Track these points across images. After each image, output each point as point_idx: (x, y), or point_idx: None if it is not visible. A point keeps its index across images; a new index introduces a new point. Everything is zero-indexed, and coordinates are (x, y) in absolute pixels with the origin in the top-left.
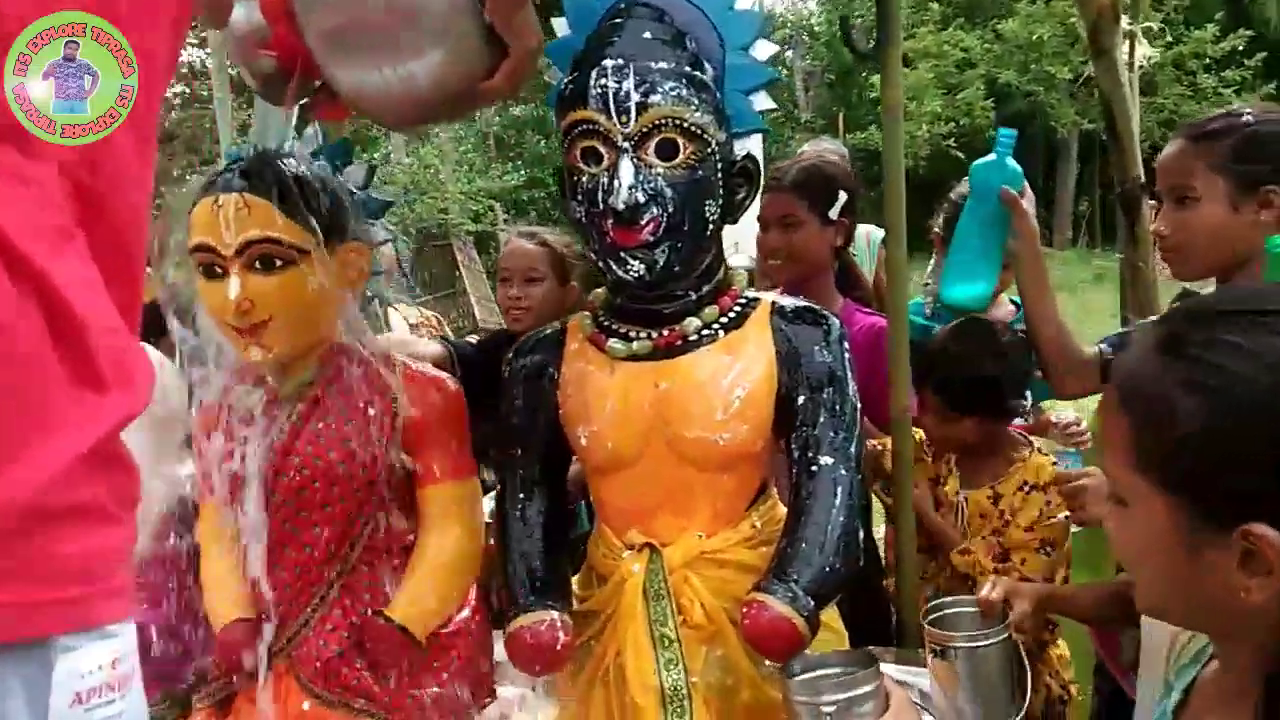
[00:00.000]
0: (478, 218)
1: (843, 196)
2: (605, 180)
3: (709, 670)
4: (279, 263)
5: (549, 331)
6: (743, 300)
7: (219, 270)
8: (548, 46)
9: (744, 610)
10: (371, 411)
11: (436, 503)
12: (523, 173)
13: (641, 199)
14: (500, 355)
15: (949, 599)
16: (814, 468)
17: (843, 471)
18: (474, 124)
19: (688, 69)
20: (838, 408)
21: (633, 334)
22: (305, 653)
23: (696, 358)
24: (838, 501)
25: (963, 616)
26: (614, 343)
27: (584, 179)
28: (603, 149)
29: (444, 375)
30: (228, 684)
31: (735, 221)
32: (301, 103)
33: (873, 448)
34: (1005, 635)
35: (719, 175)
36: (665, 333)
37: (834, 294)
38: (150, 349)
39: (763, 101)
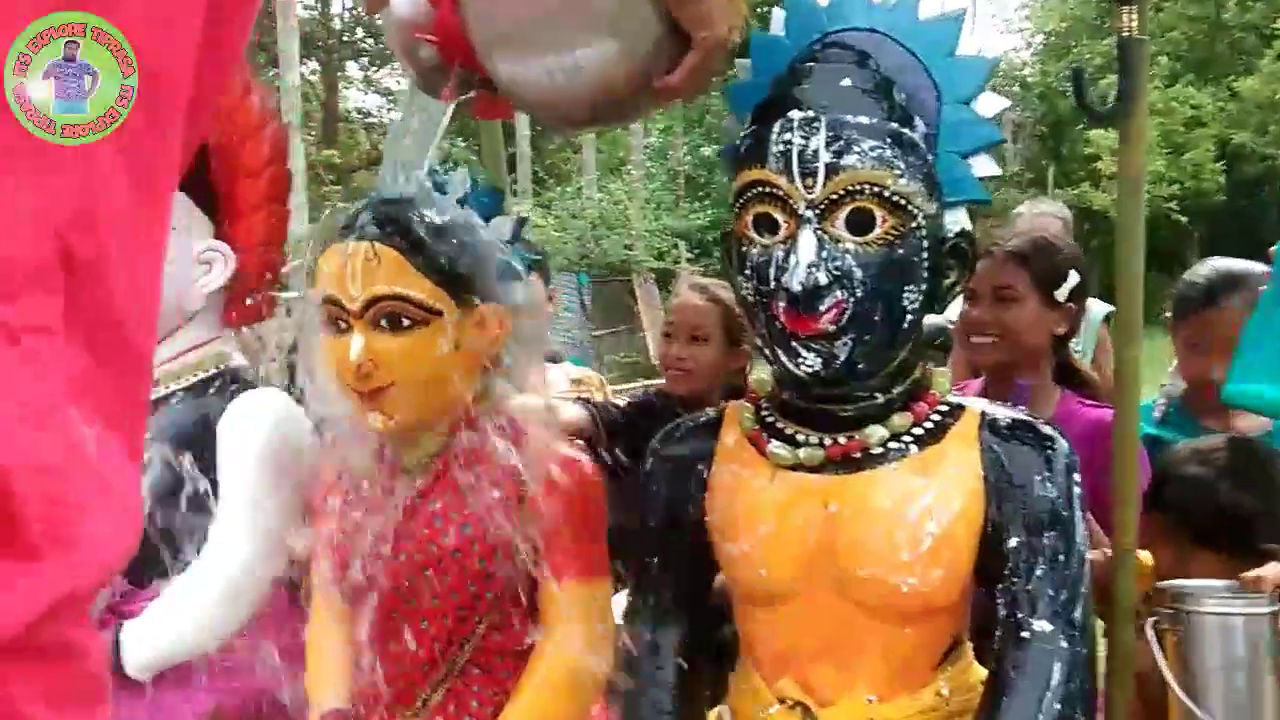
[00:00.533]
0: (661, 255)
1: (1073, 278)
2: (780, 254)
3: None
4: (406, 322)
5: (703, 419)
6: (944, 408)
7: (343, 325)
8: (728, 88)
9: None
10: (495, 494)
11: (560, 605)
12: (710, 212)
13: (823, 280)
14: (650, 422)
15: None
16: (1024, 633)
17: (1063, 644)
18: (665, 161)
19: (893, 125)
20: (1061, 558)
21: (801, 437)
22: None
23: (879, 477)
24: (1053, 683)
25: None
26: (777, 446)
27: (754, 251)
28: (781, 217)
29: (582, 457)
30: None
31: (941, 311)
32: (461, 99)
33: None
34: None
35: (924, 255)
36: (842, 440)
37: (1050, 388)
38: (281, 396)
39: (985, 166)
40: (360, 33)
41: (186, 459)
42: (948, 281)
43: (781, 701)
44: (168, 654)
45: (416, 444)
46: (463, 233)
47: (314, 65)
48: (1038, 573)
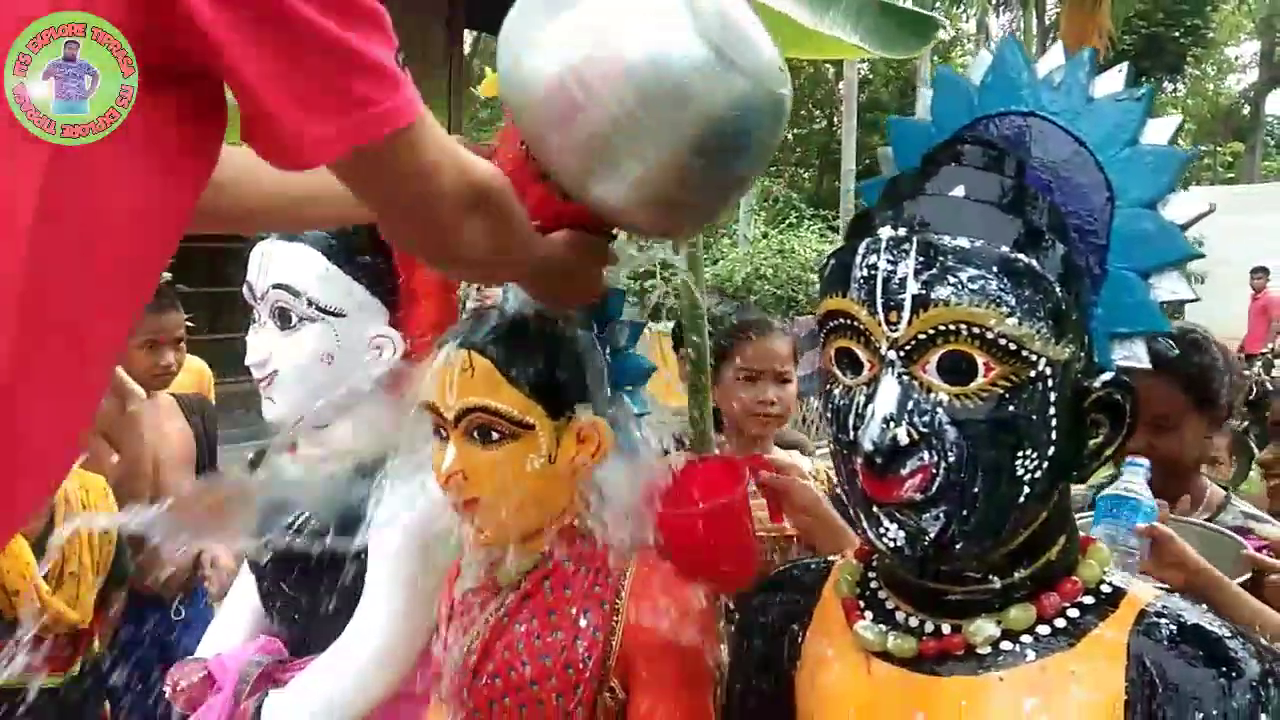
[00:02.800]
0: None
1: None
2: (861, 400)
3: None
4: (496, 435)
5: (812, 567)
6: (1088, 600)
7: (443, 434)
8: (862, 187)
9: None
10: (584, 622)
11: None
12: None
13: (904, 439)
14: None
15: None
16: None
17: None
18: None
19: (1005, 250)
20: None
21: (900, 615)
22: None
23: (980, 687)
24: None
25: None
26: (864, 627)
27: (836, 391)
28: (864, 355)
29: (694, 590)
30: None
31: (1083, 480)
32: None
33: None
34: None
35: (1050, 411)
36: (946, 630)
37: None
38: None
39: (1172, 287)
40: None
41: (343, 540)
42: (1094, 442)
43: None
44: None
45: (517, 557)
46: (567, 342)
47: None
48: None
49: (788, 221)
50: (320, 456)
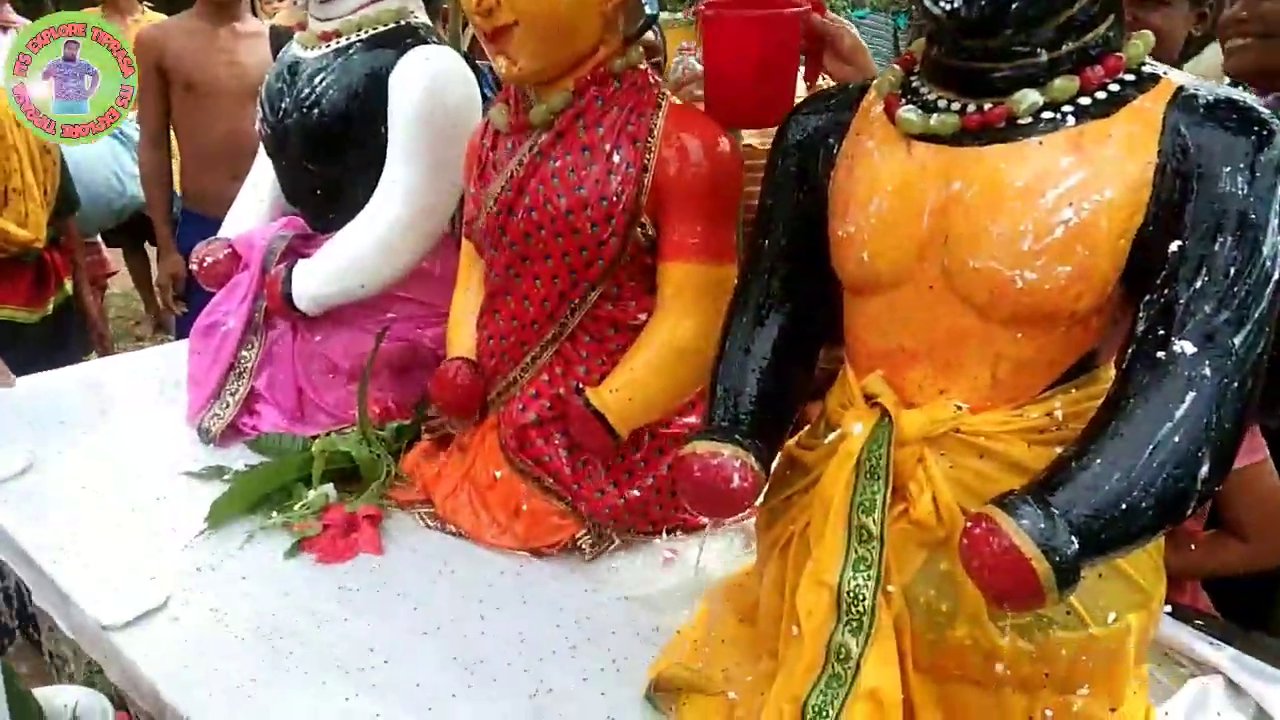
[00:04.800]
0: None
1: None
2: None
3: (919, 585)
4: None
5: (850, 86)
6: (1129, 77)
7: None
8: None
9: (965, 527)
10: (616, 158)
11: (676, 283)
12: None
13: None
14: None
15: None
16: (1162, 353)
17: (1206, 371)
18: None
19: None
20: (1233, 271)
21: (942, 102)
22: (508, 413)
23: (1019, 151)
24: (1182, 412)
25: None
26: (907, 110)
27: None
28: None
29: (721, 132)
30: (448, 423)
31: None
32: None
33: None
34: None
35: None
36: (987, 107)
37: None
38: (447, 53)
39: None
40: None
41: (358, 109)
42: None
43: (868, 398)
44: (329, 290)
45: (543, 98)
46: None
47: None
48: (1197, 284)
49: None
50: (331, 29)
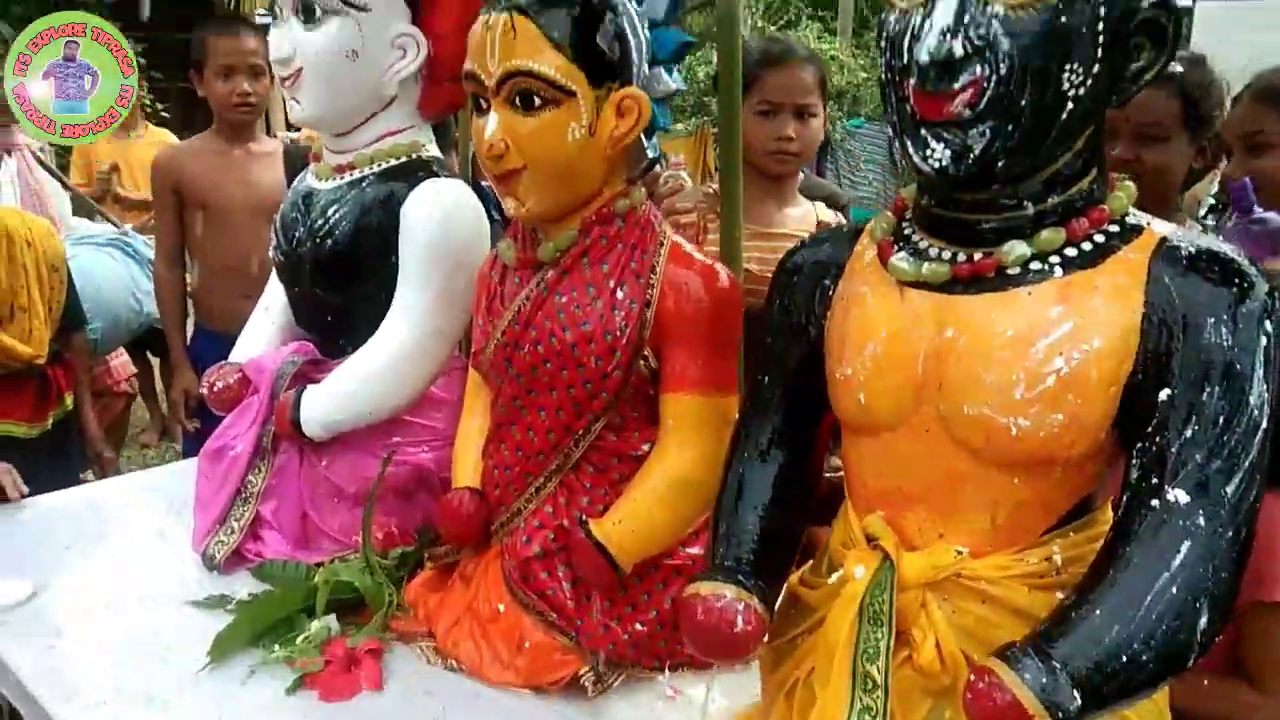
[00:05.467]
0: None
1: None
2: (917, 20)
3: None
4: (538, 101)
5: (846, 227)
6: (1113, 228)
7: (484, 105)
8: None
9: (969, 681)
10: (620, 294)
11: (678, 414)
12: None
13: (959, 51)
14: None
15: None
16: (1156, 501)
17: (1201, 521)
18: None
19: None
20: (1223, 420)
21: (933, 250)
22: (512, 545)
23: (1008, 301)
24: (1178, 562)
25: None
26: (900, 259)
27: (892, 18)
28: None
29: (720, 267)
30: (455, 550)
31: (1121, 104)
32: None
33: None
34: None
35: (1099, 26)
36: (977, 257)
37: None
38: (459, 186)
39: None
40: None
41: (370, 239)
42: (1136, 65)
43: (869, 540)
44: (338, 417)
45: (550, 236)
46: (607, 8)
47: None
48: (1188, 433)
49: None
50: (345, 162)
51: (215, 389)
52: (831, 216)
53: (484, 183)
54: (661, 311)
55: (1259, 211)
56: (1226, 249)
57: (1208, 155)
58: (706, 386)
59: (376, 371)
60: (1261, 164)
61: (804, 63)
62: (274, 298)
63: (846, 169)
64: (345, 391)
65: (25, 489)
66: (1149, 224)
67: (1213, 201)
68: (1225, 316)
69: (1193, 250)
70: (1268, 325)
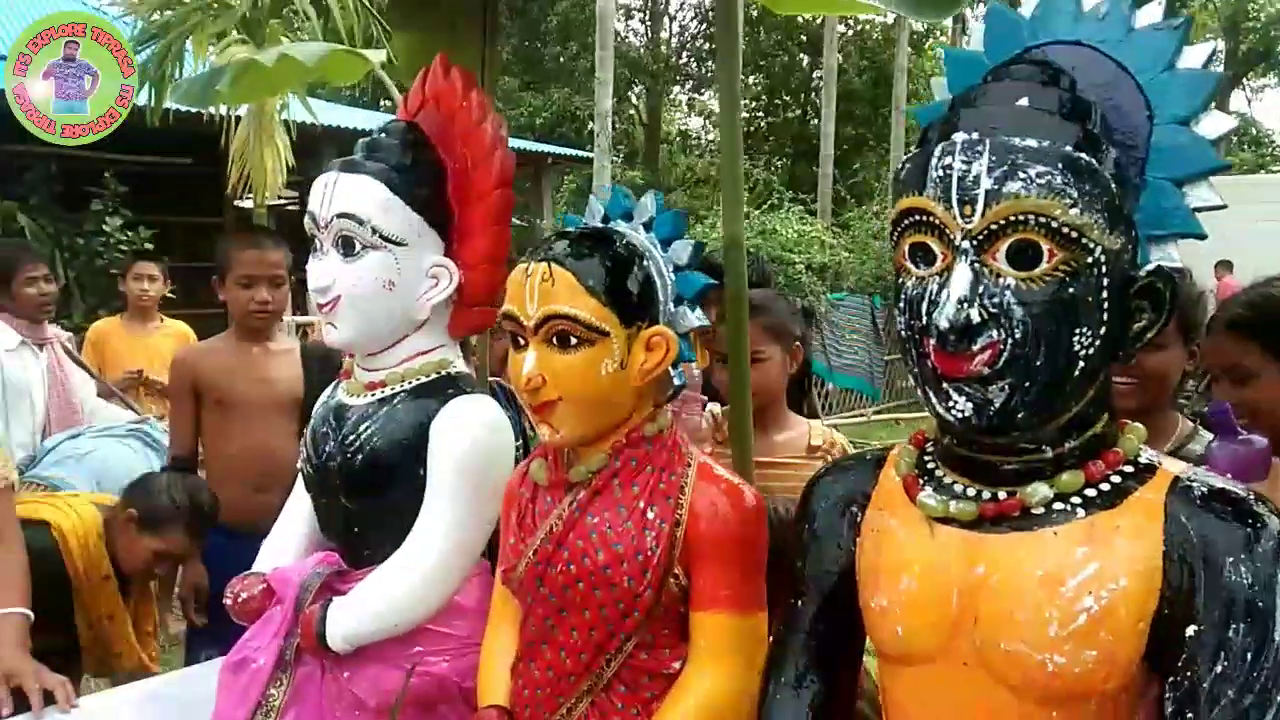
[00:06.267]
0: None
1: None
2: (934, 288)
3: None
4: (575, 341)
5: (869, 456)
6: (1129, 469)
7: (521, 341)
8: (915, 112)
9: None
10: (650, 515)
11: (709, 634)
12: None
13: (976, 317)
14: None
15: None
16: None
17: None
18: None
19: (1069, 149)
20: (1250, 656)
21: (958, 487)
22: None
23: (1036, 541)
24: None
25: None
26: (927, 496)
27: (910, 283)
28: (937, 248)
29: (746, 487)
30: None
31: (1128, 360)
32: None
33: None
34: None
35: (1103, 295)
36: (1002, 496)
37: None
38: (489, 404)
39: (1203, 195)
40: (685, 57)
41: (400, 454)
42: (1138, 325)
43: None
44: (365, 630)
45: (582, 459)
46: (638, 257)
47: (640, 89)
48: (1218, 670)
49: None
50: (377, 380)
51: (240, 600)
52: (823, 433)
53: (501, 380)
54: (691, 531)
55: (1244, 433)
56: (1236, 488)
57: (1197, 357)
58: (737, 606)
59: (406, 586)
60: (1247, 394)
61: (754, 312)
62: (298, 507)
63: (831, 339)
64: (375, 608)
65: (77, 703)
66: (1160, 463)
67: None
68: (1244, 555)
69: (1205, 490)
70: None
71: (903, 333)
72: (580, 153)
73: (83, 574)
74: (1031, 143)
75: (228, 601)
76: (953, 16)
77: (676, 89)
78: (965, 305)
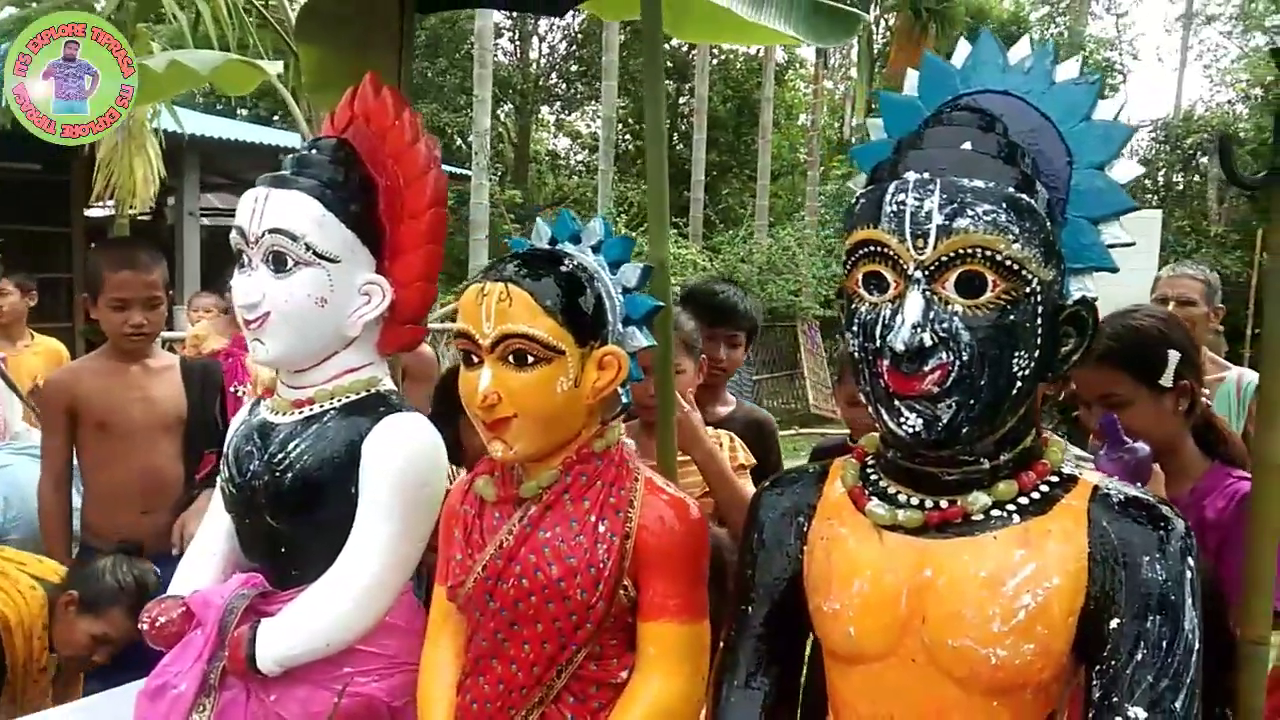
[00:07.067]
0: (828, 303)
1: (1174, 356)
2: (887, 313)
3: None
4: (531, 360)
5: (811, 470)
6: (1055, 479)
7: (475, 359)
8: (853, 151)
9: None
10: (602, 528)
11: (657, 643)
12: None
13: (929, 341)
14: None
15: None
16: (1119, 717)
17: None
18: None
19: (1011, 190)
20: (1165, 644)
21: (902, 497)
22: None
23: (978, 545)
24: None
25: None
26: (875, 505)
27: (863, 308)
28: (890, 276)
29: (689, 500)
30: None
31: (1057, 379)
32: None
33: None
34: None
35: (1038, 321)
36: (944, 505)
37: (1196, 461)
38: (421, 421)
39: (1116, 233)
40: (554, 78)
41: (332, 473)
42: (1065, 349)
43: None
44: (297, 652)
45: (532, 474)
46: (590, 279)
47: (509, 108)
48: (1138, 657)
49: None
50: (305, 397)
51: (158, 624)
52: (728, 443)
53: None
54: (640, 543)
55: (1129, 442)
56: (1147, 495)
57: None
58: (684, 614)
59: (340, 605)
60: (1123, 419)
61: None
62: (213, 530)
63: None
64: (306, 627)
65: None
66: (1081, 472)
67: None
68: (1157, 555)
69: (1122, 498)
70: (1190, 560)
71: (855, 354)
72: (455, 170)
73: (20, 666)
74: (979, 183)
75: (144, 626)
76: (816, 50)
77: (545, 109)
78: (918, 330)
